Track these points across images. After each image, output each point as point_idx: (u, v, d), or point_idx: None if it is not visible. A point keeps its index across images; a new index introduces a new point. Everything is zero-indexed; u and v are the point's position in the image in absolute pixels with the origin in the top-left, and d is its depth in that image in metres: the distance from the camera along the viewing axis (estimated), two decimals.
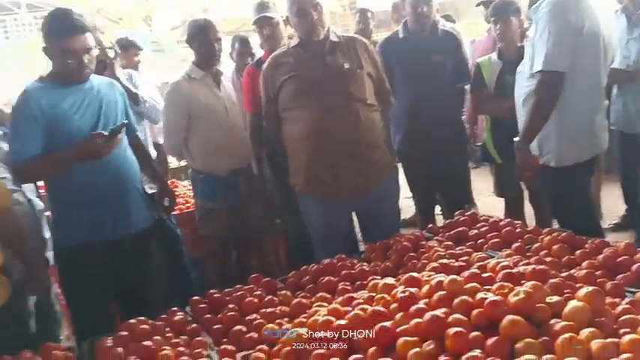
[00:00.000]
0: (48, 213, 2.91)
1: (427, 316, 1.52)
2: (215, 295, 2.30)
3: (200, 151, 3.29)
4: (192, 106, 3.20)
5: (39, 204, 2.78)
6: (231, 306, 2.18)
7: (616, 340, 1.38)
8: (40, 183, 2.96)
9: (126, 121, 2.63)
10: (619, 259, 2.04)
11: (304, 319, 1.87)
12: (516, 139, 2.88)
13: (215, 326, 2.09)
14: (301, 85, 2.84)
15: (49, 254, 2.68)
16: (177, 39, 10.46)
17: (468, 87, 3.84)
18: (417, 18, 3.60)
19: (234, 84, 3.79)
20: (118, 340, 2.01)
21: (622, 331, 1.43)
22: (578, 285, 1.77)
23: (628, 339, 1.36)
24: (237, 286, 2.38)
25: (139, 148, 2.85)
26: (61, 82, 2.52)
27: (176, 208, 3.78)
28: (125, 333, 2.04)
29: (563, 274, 1.90)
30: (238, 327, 2.02)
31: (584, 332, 1.40)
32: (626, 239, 2.38)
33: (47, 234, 2.76)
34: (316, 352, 1.64)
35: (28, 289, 2.45)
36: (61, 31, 2.44)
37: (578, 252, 2.17)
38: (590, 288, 1.58)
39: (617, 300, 1.67)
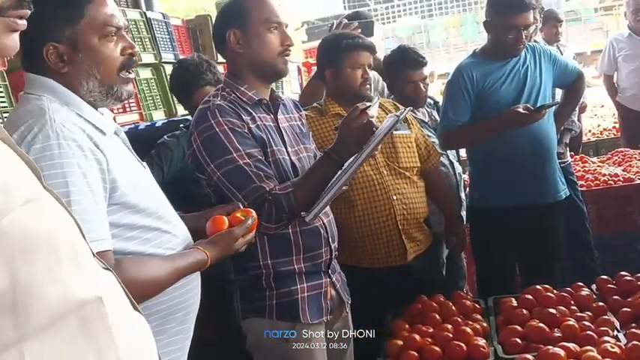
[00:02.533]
0: (465, 176, 3.19)
1: None
2: (626, 278, 2.20)
3: None
4: None
5: (458, 167, 3.05)
6: None
7: None
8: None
9: (556, 102, 2.72)
10: None
11: None
12: None
13: (623, 309, 2.00)
14: None
15: (463, 213, 2.93)
16: (595, 7, 9.81)
17: None
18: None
19: None
20: (523, 302, 2.12)
21: None
22: None
23: None
24: None
25: None
26: (495, 56, 2.72)
27: (584, 184, 3.68)
28: (530, 297, 2.13)
29: None
30: None
31: None
32: None
33: (462, 195, 3.03)
34: None
35: (445, 242, 2.75)
36: (509, 8, 2.61)
37: None
38: None
39: None
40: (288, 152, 1.81)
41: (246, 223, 1.44)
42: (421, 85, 2.91)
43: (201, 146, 1.71)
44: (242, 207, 1.55)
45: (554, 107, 2.74)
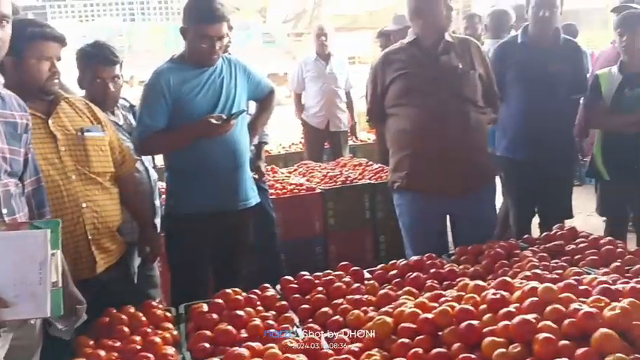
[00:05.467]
0: (161, 184, 3.14)
1: (517, 319, 1.52)
2: (305, 277, 2.39)
3: None
4: None
5: (154, 174, 2.99)
6: (319, 289, 2.26)
7: None
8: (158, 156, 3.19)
9: (244, 110, 2.82)
10: None
11: (390, 310, 1.91)
12: None
13: (303, 306, 2.17)
14: (412, 83, 2.88)
15: (157, 221, 2.88)
16: (288, 32, 10.73)
17: (581, 99, 3.69)
18: (538, 23, 3.50)
19: None
20: (213, 307, 2.15)
21: None
22: None
23: None
24: (327, 271, 2.46)
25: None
26: (191, 64, 2.74)
27: (273, 192, 3.95)
28: (220, 301, 2.17)
29: None
30: (325, 309, 2.09)
31: None
32: None
33: (157, 202, 2.98)
34: (401, 341, 1.68)
35: (138, 251, 2.65)
36: (203, 17, 2.64)
37: None
38: None
39: None
40: None
41: None
42: (111, 84, 2.75)
43: None
44: None
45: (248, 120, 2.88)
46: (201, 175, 2.73)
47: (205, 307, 2.16)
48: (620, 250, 2.42)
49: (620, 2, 4.32)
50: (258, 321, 2.01)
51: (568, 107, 3.62)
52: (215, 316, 2.08)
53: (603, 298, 1.59)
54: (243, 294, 2.25)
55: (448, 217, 3.04)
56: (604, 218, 3.88)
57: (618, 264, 2.25)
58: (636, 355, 1.39)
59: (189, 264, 2.77)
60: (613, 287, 1.71)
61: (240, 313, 2.06)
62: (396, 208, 3.08)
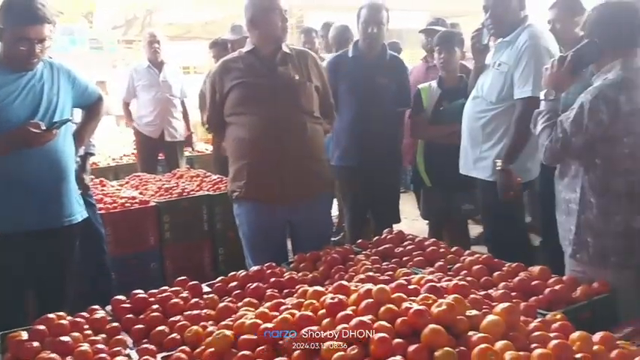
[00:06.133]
0: None
1: (354, 321, 1.56)
2: (139, 296, 2.26)
3: None
4: None
5: None
6: (155, 307, 2.15)
7: (527, 353, 1.46)
8: None
9: (68, 119, 2.62)
10: (533, 283, 2.16)
11: (230, 323, 1.87)
12: (498, 161, 3.01)
13: (136, 326, 2.05)
14: (250, 92, 2.87)
15: None
16: (118, 38, 10.23)
17: (407, 112, 3.96)
18: (367, 38, 3.69)
19: None
20: (34, 334, 1.94)
21: (533, 345, 1.52)
22: (494, 303, 1.86)
23: (538, 353, 1.44)
24: (163, 287, 2.34)
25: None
26: (8, 68, 2.50)
27: (102, 207, 3.71)
28: (42, 327, 1.97)
29: (481, 293, 1.99)
30: (161, 328, 1.99)
31: (499, 344, 1.48)
32: None
33: None
34: (241, 353, 1.65)
35: None
36: (22, 17, 2.42)
37: (495, 274, 2.29)
38: (506, 304, 1.67)
39: (529, 319, 1.76)
40: None
41: None
42: None
43: None
44: None
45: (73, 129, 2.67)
46: (19, 189, 2.47)
47: (25, 335, 1.94)
48: (442, 250, 2.61)
49: (427, 25, 4.72)
50: (86, 346, 1.84)
51: (394, 118, 3.85)
52: (36, 344, 1.87)
53: (431, 295, 1.69)
54: (69, 318, 2.06)
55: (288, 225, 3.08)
56: (427, 221, 4.19)
57: (441, 263, 2.44)
58: (461, 348, 1.49)
59: (5, 289, 2.48)
60: (438, 285, 1.84)
61: (65, 339, 1.87)
62: (236, 217, 3.04)
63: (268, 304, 1.97)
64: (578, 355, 1.47)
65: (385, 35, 3.79)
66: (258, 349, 1.66)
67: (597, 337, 1.61)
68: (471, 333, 1.55)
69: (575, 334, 1.58)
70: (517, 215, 3.22)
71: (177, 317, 2.05)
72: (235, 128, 2.94)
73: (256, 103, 2.86)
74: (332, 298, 1.74)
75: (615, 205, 2.23)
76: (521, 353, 1.45)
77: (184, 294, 2.27)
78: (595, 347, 1.53)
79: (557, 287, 2.10)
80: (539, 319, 1.76)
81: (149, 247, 3.84)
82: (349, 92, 3.69)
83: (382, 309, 1.62)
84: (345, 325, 1.58)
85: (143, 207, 3.88)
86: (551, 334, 1.59)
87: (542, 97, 2.37)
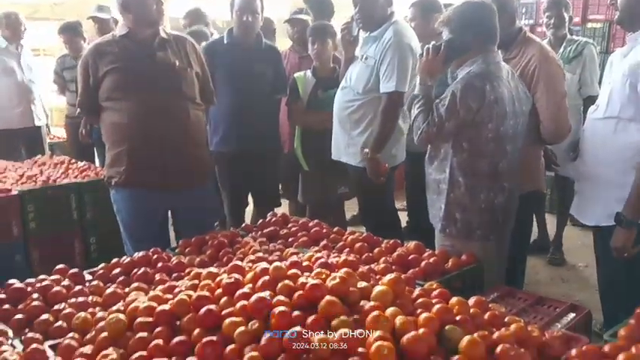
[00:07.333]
0: None
1: (254, 297, 1.61)
2: (15, 286, 2.14)
3: None
4: None
5: None
6: (35, 296, 2.05)
7: (415, 317, 1.60)
8: None
9: None
10: (410, 257, 2.34)
11: (122, 307, 1.83)
12: (367, 150, 3.18)
13: (16, 317, 1.94)
14: (129, 77, 2.78)
15: None
16: None
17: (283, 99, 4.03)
18: (242, 26, 3.69)
19: None
20: None
21: (418, 310, 1.66)
22: (377, 276, 2.01)
23: (424, 316, 1.59)
24: (41, 276, 2.23)
25: None
26: None
27: None
28: None
29: (365, 268, 2.13)
30: (45, 317, 1.90)
31: (389, 311, 1.61)
32: None
33: None
34: (138, 336, 1.63)
35: None
36: None
37: (376, 250, 2.45)
38: (392, 275, 1.81)
39: (411, 289, 1.92)
40: None
41: None
42: None
43: None
44: None
45: None
46: None
47: None
48: (325, 230, 2.73)
49: (290, 15, 4.76)
50: None
51: (272, 105, 3.91)
52: None
53: (324, 270, 1.79)
54: None
55: (170, 211, 3.03)
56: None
57: (325, 242, 2.56)
58: (355, 317, 1.59)
59: None
60: (329, 261, 1.94)
61: None
62: (114, 204, 2.95)
63: (161, 286, 1.96)
64: (457, 317, 1.63)
65: (260, 24, 3.81)
66: (156, 330, 1.65)
67: (472, 301, 1.80)
68: (362, 302, 1.67)
69: (454, 300, 1.75)
70: (386, 198, 3.45)
71: (62, 305, 1.97)
72: (112, 113, 2.84)
73: (135, 89, 2.77)
74: (229, 278, 1.77)
75: (480, 183, 2.47)
76: (409, 317, 1.59)
77: (65, 282, 2.18)
78: (471, 310, 1.72)
79: (431, 260, 2.30)
80: (419, 289, 1.92)
81: (12, 239, 3.58)
82: (226, 79, 3.67)
83: (280, 285, 1.69)
84: (245, 302, 1.62)
85: (4, 196, 3.60)
86: (433, 301, 1.75)
87: (418, 83, 2.57)
